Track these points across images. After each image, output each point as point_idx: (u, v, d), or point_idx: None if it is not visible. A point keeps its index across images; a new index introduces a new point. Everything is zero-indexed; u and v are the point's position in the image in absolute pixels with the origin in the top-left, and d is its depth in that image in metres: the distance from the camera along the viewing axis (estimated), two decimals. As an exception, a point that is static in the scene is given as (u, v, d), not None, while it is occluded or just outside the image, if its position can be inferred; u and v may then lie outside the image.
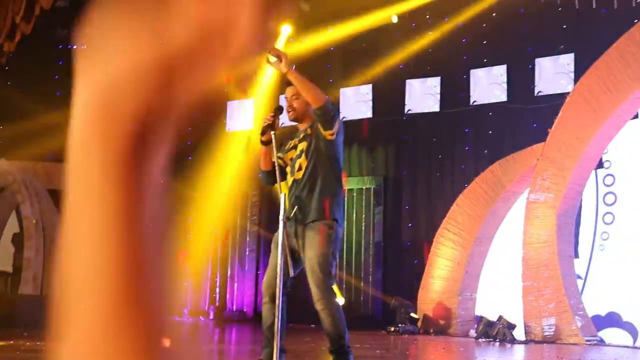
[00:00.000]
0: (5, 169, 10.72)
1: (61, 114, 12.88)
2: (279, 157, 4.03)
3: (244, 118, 12.63)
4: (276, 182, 4.09)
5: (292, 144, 4.11)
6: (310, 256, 3.81)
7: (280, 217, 3.72)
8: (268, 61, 4.00)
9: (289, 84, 4.04)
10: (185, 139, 12.90)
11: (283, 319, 3.93)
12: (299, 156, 3.99)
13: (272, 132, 3.90)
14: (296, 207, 3.86)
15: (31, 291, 9.95)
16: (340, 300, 11.06)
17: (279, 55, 3.90)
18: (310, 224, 3.84)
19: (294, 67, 3.93)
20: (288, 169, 4.05)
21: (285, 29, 12.01)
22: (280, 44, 12.14)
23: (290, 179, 4.01)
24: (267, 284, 3.86)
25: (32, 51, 11.85)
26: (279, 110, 4.01)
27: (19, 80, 11.99)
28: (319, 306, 3.82)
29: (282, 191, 3.88)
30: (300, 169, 3.96)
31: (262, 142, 4.00)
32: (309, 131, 4.01)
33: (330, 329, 3.81)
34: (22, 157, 12.10)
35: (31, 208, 10.36)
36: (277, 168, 3.92)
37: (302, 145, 4.00)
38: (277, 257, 3.73)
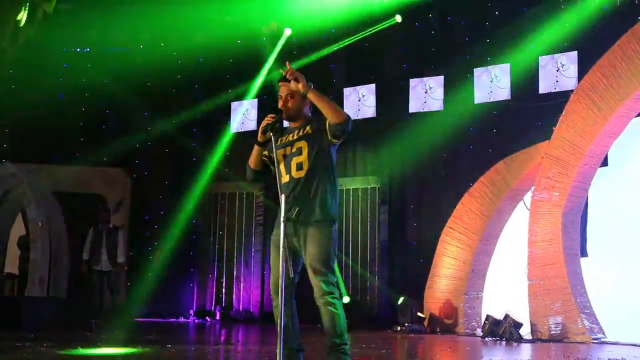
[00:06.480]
0: (11, 172, 10.72)
1: (64, 116, 12.88)
2: (264, 156, 4.05)
3: (248, 119, 12.62)
4: (263, 180, 4.15)
5: (284, 140, 4.01)
6: (313, 252, 3.80)
7: (281, 218, 3.69)
8: (283, 81, 3.96)
9: (283, 81, 4.00)
10: (190, 140, 12.93)
11: (296, 319, 3.95)
12: (297, 154, 3.92)
13: (272, 134, 3.88)
14: (297, 209, 3.83)
15: (37, 293, 9.96)
16: (346, 298, 11.05)
17: (295, 77, 3.86)
18: (313, 222, 3.84)
19: (311, 85, 3.87)
20: (282, 167, 3.95)
21: (287, 31, 12.01)
22: (279, 44, 12.15)
23: (285, 177, 3.93)
24: (275, 287, 3.84)
25: (36, 54, 11.86)
26: (280, 113, 3.97)
27: (22, 82, 11.99)
28: (321, 301, 3.78)
29: (282, 192, 3.84)
30: (300, 168, 3.90)
31: (258, 142, 4.00)
32: (309, 130, 3.95)
33: (330, 324, 3.77)
34: (27, 159, 12.13)
35: (37, 210, 10.35)
36: (277, 177, 3.94)
37: (302, 144, 3.93)
38: (279, 259, 3.72)
